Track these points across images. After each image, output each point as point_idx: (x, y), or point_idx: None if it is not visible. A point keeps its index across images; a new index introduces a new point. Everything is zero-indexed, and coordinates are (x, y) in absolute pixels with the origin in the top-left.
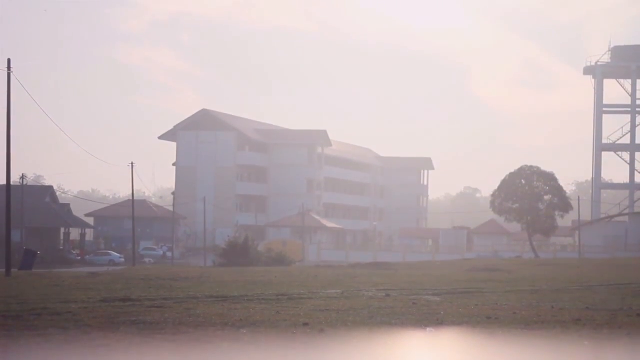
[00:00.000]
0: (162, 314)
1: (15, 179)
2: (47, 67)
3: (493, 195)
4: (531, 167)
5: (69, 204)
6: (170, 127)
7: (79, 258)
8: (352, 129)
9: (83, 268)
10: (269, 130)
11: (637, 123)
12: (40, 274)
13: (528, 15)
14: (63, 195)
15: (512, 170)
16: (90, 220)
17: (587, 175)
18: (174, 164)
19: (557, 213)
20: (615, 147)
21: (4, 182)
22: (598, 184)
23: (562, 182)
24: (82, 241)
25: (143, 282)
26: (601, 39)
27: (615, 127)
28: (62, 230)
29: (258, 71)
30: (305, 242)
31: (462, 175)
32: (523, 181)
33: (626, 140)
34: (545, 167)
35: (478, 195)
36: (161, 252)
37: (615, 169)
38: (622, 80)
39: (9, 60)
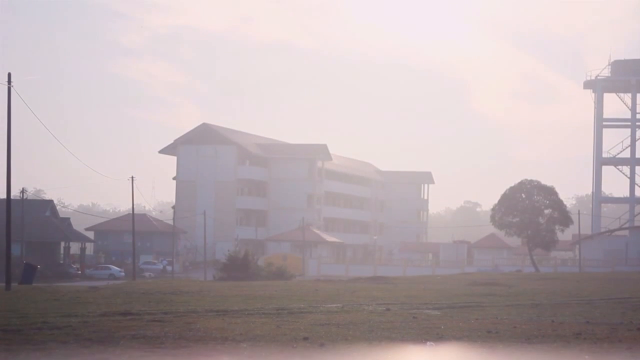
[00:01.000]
0: (162, 328)
1: (15, 192)
2: (47, 81)
3: (493, 209)
4: (531, 181)
5: (69, 218)
6: (171, 141)
7: (79, 272)
8: (352, 143)
9: (83, 282)
10: (269, 144)
11: (637, 137)
12: (40, 288)
13: (528, 30)
14: (63, 209)
15: (512, 184)
16: (91, 234)
17: (587, 189)
18: (174, 178)
19: (557, 227)
20: (615, 161)
21: (4, 195)
22: (598, 197)
23: (562, 196)
24: (82, 255)
25: (143, 296)
26: (601, 53)
27: (616, 141)
28: (62, 244)
29: (258, 85)
30: (306, 256)
31: (463, 189)
32: (523, 195)
33: (626, 154)
34: (546, 181)
35: (478, 209)
36: (161, 266)
37: (616, 183)
38: (622, 94)
39: (9, 75)
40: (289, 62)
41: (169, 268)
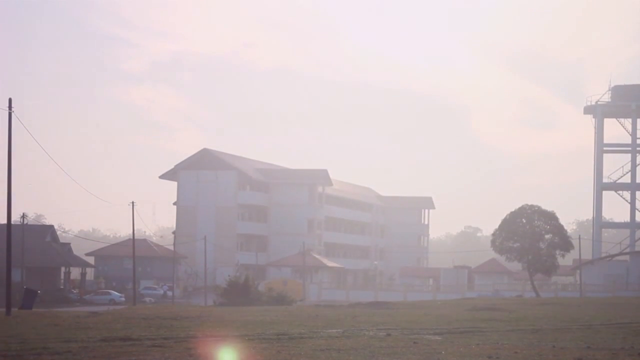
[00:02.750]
0: (163, 353)
1: (15, 218)
2: (48, 106)
3: (494, 234)
4: (532, 206)
5: (69, 243)
6: (171, 167)
7: (79, 297)
8: (353, 168)
9: (83, 307)
10: (269, 169)
11: (637, 162)
12: (41, 313)
13: (528, 55)
14: (63, 234)
15: (513, 209)
16: (91, 260)
17: (587, 214)
18: (174, 203)
19: (558, 252)
20: (615, 186)
21: (4, 221)
22: (599, 223)
23: (562, 221)
24: (82, 280)
25: (143, 321)
26: (601, 79)
27: (616, 166)
28: (63, 269)
29: (259, 110)
30: (306, 282)
31: (463, 214)
32: (524, 220)
33: (627, 179)
34: (546, 206)
35: (479, 234)
36: (162, 292)
37: (616, 208)
38: (622, 120)
39: (9, 100)
40: (290, 88)
41: (169, 293)
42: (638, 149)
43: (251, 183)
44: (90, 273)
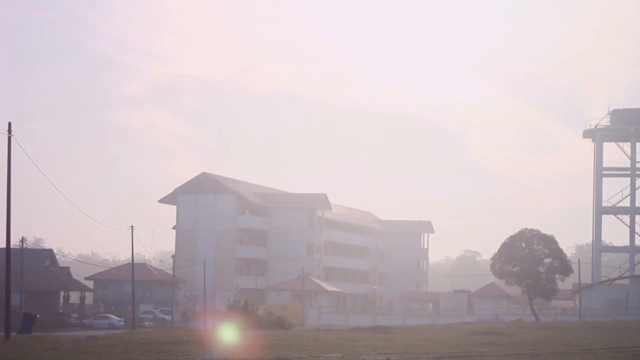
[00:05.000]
0: None
1: (15, 241)
2: (47, 129)
3: (493, 258)
4: (531, 230)
5: (68, 267)
6: (171, 191)
7: (78, 321)
8: (352, 192)
9: (82, 331)
10: (269, 193)
11: (636, 186)
12: (40, 338)
13: (527, 79)
14: (63, 258)
15: (512, 233)
16: (90, 284)
17: (587, 238)
18: (174, 227)
19: (557, 276)
20: (615, 210)
21: (3, 245)
22: (598, 246)
23: (562, 245)
24: (81, 304)
25: (142, 345)
26: (600, 102)
27: (615, 190)
28: (62, 293)
29: (258, 134)
30: (305, 306)
31: (462, 238)
32: (523, 244)
33: (626, 203)
34: (545, 230)
35: (478, 258)
36: (153, 315)
37: (616, 232)
38: (621, 144)
39: (9, 124)
40: (289, 111)
41: (161, 317)
42: (637, 172)
43: (250, 207)
44: (89, 297)
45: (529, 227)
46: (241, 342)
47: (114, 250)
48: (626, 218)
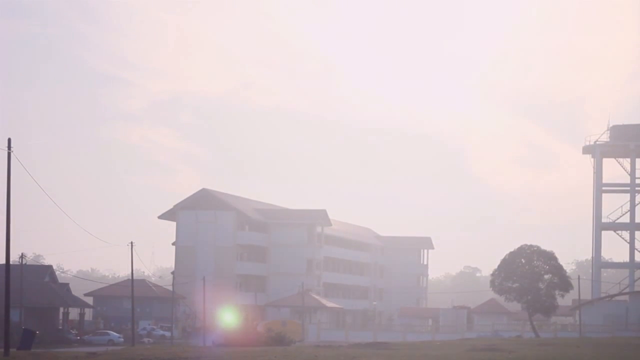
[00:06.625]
0: None
1: (14, 258)
2: (46, 146)
3: (493, 274)
4: (531, 246)
5: (68, 284)
6: (170, 207)
7: (78, 338)
8: (352, 208)
9: (82, 348)
10: (268, 209)
11: (636, 202)
12: (39, 354)
13: (527, 95)
14: (62, 274)
15: (512, 250)
16: (90, 300)
17: (587, 254)
18: (173, 244)
19: (557, 292)
20: (614, 226)
21: (3, 261)
22: (598, 263)
23: (562, 261)
24: (81, 321)
25: None
26: (600, 118)
27: (615, 206)
28: (61, 309)
29: (258, 150)
30: (305, 322)
31: (462, 254)
32: (523, 260)
33: (626, 219)
34: (545, 246)
35: (478, 274)
36: (159, 332)
37: (615, 248)
38: (621, 159)
39: (9, 140)
40: (288, 127)
41: (156, 333)
42: (637, 188)
43: (250, 223)
44: (88, 313)
45: (528, 243)
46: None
47: (113, 266)
48: (626, 234)
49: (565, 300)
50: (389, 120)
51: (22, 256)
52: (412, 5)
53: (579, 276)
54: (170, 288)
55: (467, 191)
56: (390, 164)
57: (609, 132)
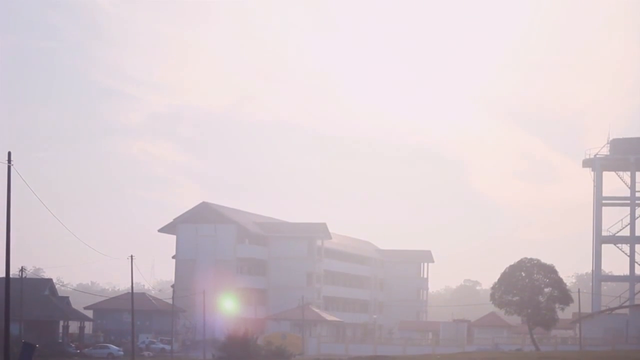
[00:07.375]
0: None
1: (14, 271)
2: (47, 159)
3: (493, 287)
4: (531, 259)
5: (68, 297)
6: (170, 220)
7: (78, 351)
8: (352, 221)
9: None
10: (268, 223)
11: (636, 215)
12: None
13: (527, 109)
14: (62, 287)
15: (512, 263)
16: (89, 313)
17: (587, 267)
18: (173, 257)
19: (557, 305)
20: (615, 240)
21: (3, 274)
22: (598, 276)
23: (562, 275)
24: (81, 334)
25: None
26: (600, 132)
27: (615, 219)
28: (61, 323)
29: (258, 164)
30: (305, 335)
31: (462, 267)
32: (523, 274)
33: (626, 232)
34: (545, 260)
35: (478, 287)
36: (160, 345)
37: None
38: (621, 173)
39: (9, 153)
40: (289, 141)
41: (155, 346)
42: (637, 202)
43: (250, 236)
44: (88, 327)
45: (528, 257)
46: None
47: (113, 279)
48: (626, 247)
49: (565, 314)
50: (390, 133)
51: (22, 269)
52: (412, 20)
53: (579, 289)
54: (170, 301)
55: (467, 204)
56: (390, 177)
57: (609, 145)
